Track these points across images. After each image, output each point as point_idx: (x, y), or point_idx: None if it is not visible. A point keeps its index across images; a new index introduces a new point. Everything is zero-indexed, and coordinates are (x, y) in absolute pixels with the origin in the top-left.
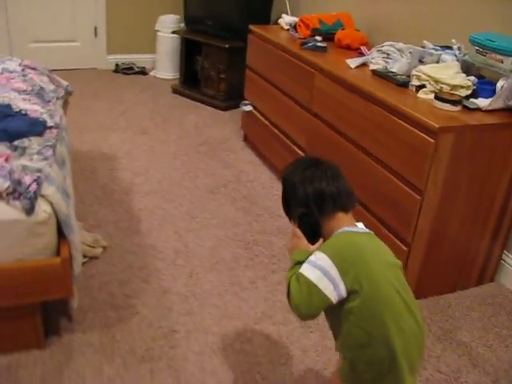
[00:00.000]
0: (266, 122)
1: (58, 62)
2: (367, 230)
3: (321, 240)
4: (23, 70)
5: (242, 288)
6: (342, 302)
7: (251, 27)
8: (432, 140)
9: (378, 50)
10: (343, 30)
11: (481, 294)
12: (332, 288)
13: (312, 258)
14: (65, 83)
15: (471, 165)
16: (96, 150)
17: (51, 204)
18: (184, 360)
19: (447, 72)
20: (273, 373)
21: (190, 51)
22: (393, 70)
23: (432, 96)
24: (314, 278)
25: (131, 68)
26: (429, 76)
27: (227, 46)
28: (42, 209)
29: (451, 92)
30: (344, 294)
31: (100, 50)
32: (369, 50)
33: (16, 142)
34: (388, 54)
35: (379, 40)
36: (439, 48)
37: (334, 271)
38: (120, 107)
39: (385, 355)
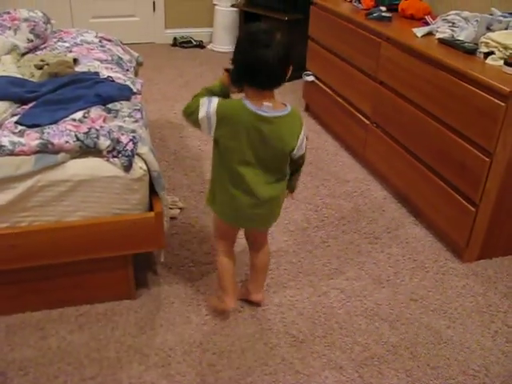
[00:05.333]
0: (329, 91)
1: (118, 37)
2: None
3: None
4: (100, 41)
5: (314, 246)
6: None
7: None
8: (503, 104)
9: (444, 19)
10: (406, 0)
11: None
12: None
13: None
14: (135, 54)
15: None
16: (163, 119)
17: (145, 162)
18: (264, 311)
19: None
20: (349, 323)
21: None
22: (460, 38)
23: (501, 62)
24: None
25: (189, 42)
26: (498, 43)
27: (286, 18)
28: (139, 166)
29: None
30: None
31: (158, 24)
32: (433, 19)
33: (109, 105)
34: (453, 23)
35: (442, 9)
36: (508, 15)
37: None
38: (181, 79)
39: None
